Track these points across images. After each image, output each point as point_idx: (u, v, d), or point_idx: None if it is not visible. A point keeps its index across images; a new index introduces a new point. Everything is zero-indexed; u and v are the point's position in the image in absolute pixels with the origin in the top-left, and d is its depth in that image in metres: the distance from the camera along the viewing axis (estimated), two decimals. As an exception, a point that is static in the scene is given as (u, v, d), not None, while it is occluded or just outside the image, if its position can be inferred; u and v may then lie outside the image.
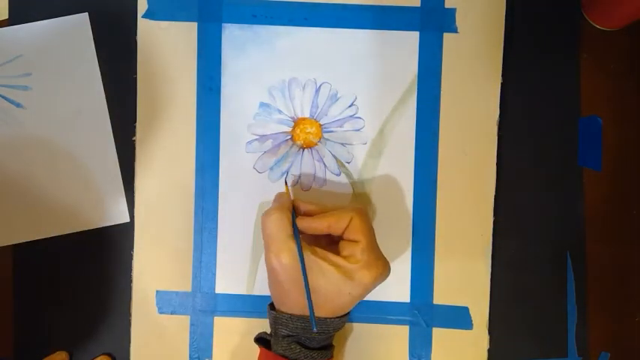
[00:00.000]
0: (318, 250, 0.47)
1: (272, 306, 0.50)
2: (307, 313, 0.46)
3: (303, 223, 0.48)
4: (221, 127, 0.55)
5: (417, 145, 0.54)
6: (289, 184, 0.54)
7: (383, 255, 0.48)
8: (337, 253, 0.47)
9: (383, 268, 0.47)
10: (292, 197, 0.52)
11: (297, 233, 0.47)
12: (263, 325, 0.54)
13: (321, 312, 0.46)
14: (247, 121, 0.55)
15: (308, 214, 0.49)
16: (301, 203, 0.50)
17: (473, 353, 0.54)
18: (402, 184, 0.54)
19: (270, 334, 0.49)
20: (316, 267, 0.46)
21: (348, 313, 0.49)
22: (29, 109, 0.55)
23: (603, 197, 0.55)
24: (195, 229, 0.55)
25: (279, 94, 0.55)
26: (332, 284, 0.46)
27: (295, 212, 0.49)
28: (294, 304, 0.46)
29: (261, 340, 0.50)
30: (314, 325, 0.45)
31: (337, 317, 0.47)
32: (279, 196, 0.51)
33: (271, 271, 0.47)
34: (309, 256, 0.46)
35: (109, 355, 0.55)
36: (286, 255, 0.46)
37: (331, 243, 0.49)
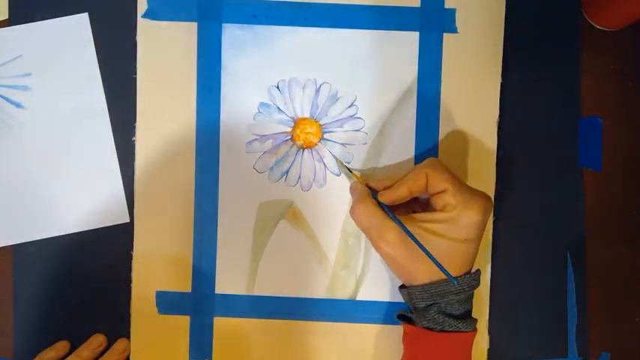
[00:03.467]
0: (416, 215, 0.47)
1: (403, 286, 0.50)
2: (435, 278, 0.46)
3: (386, 198, 0.48)
4: (221, 127, 0.55)
5: (417, 145, 0.54)
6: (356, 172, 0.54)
7: (477, 190, 0.48)
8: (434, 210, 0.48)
9: (484, 201, 0.47)
10: (363, 182, 0.52)
11: (386, 208, 0.47)
12: (263, 326, 0.54)
13: (450, 272, 0.46)
14: (247, 121, 0.55)
15: (387, 189, 0.50)
16: (375, 183, 0.51)
17: (473, 354, 0.54)
18: (402, 184, 0.54)
19: (411, 312, 0.49)
20: (421, 231, 0.46)
21: (478, 270, 0.48)
22: (29, 109, 0.55)
23: (603, 197, 0.55)
24: (195, 229, 0.54)
25: (279, 94, 0.55)
26: (443, 240, 0.46)
27: (375, 193, 0.50)
28: (420, 274, 0.47)
29: (402, 317, 0.50)
30: (451, 278, 0.45)
31: (466, 273, 0.47)
32: (353, 188, 0.52)
33: (386, 257, 0.47)
34: (410, 225, 0.46)
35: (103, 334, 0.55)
36: (389, 233, 0.46)
37: (425, 206, 0.50)
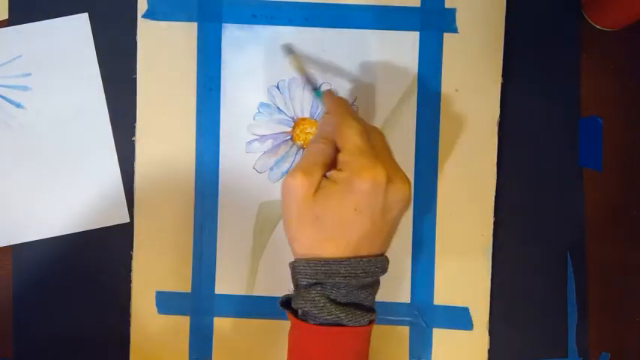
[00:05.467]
0: (328, 172, 0.41)
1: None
2: (326, 255, 0.40)
3: (327, 98, 0.45)
4: (221, 127, 0.55)
5: (417, 145, 0.54)
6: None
7: (392, 163, 0.42)
8: None
9: (383, 173, 0.39)
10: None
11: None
12: (263, 326, 0.54)
13: (338, 251, 0.39)
14: (247, 121, 0.55)
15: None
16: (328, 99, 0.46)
17: (473, 354, 0.54)
18: (402, 184, 0.54)
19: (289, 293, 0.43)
20: (323, 189, 0.40)
21: (382, 255, 0.41)
22: (29, 110, 0.55)
23: (603, 197, 0.55)
24: (194, 229, 0.54)
25: (279, 94, 0.55)
26: (333, 203, 0.39)
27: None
28: (308, 242, 0.40)
29: (286, 303, 0.43)
30: (317, 91, 0.41)
31: (363, 256, 0.40)
32: (335, 101, 0.46)
33: (283, 193, 0.41)
34: (320, 182, 0.40)
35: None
36: (303, 176, 0.40)
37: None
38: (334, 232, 0.40)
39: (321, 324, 0.39)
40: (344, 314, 0.39)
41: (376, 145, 0.42)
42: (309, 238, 0.40)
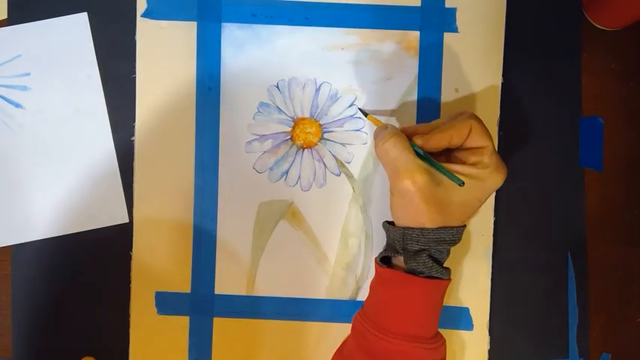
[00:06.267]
0: (444, 164, 0.46)
1: (391, 223, 0.49)
2: (437, 225, 0.45)
3: (424, 142, 0.46)
4: (221, 127, 0.54)
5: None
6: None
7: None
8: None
9: (505, 170, 0.47)
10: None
11: (420, 151, 0.46)
12: (262, 326, 0.54)
13: (455, 221, 0.46)
14: (247, 120, 0.54)
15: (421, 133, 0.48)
16: (408, 127, 0.49)
17: (473, 354, 0.54)
18: (402, 184, 0.54)
19: (393, 253, 0.48)
20: (446, 179, 0.45)
21: (464, 226, 0.48)
22: (28, 109, 0.55)
23: (604, 198, 0.55)
24: (194, 229, 0.54)
25: (279, 93, 0.54)
26: (466, 194, 0.46)
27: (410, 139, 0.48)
28: (429, 220, 0.45)
29: (383, 259, 0.49)
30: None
31: (460, 226, 0.47)
32: (382, 128, 0.48)
33: (405, 194, 0.45)
34: (439, 173, 0.45)
35: (93, 356, 0.55)
36: (420, 173, 0.45)
37: (446, 160, 0.48)
38: (456, 213, 0.46)
39: (427, 277, 0.46)
40: (445, 271, 0.47)
41: None
42: (431, 220, 0.45)
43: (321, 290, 0.55)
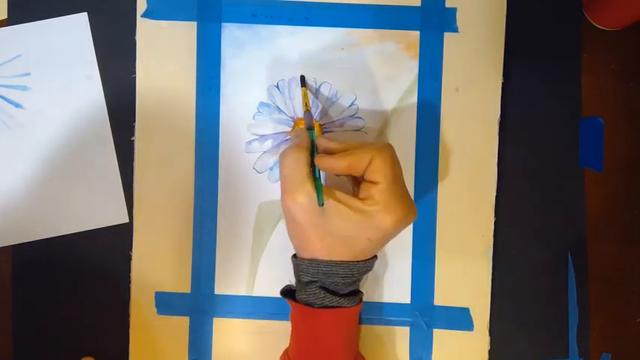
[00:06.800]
0: (337, 192, 0.45)
1: (295, 255, 0.49)
2: (327, 257, 0.44)
3: (323, 163, 0.45)
4: (220, 127, 0.54)
5: (417, 145, 0.54)
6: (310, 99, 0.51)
7: (409, 197, 0.46)
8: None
9: (405, 212, 0.44)
10: (313, 112, 0.49)
11: (315, 172, 0.45)
12: (262, 326, 0.54)
13: (341, 255, 0.45)
14: (247, 121, 0.54)
15: (328, 152, 0.47)
16: (322, 140, 0.47)
17: (474, 355, 0.54)
18: (403, 184, 0.54)
19: (291, 285, 0.49)
20: (334, 208, 0.44)
21: (375, 257, 0.47)
22: (28, 109, 0.55)
23: (604, 198, 0.55)
24: (194, 229, 0.54)
25: (279, 93, 0.54)
26: (349, 227, 0.44)
27: (316, 149, 0.47)
28: (314, 248, 0.45)
29: (287, 292, 0.49)
30: (320, 200, 0.43)
31: (360, 260, 0.46)
32: (297, 133, 0.48)
33: (287, 212, 0.45)
34: (326, 199, 0.44)
35: (92, 356, 0.55)
36: (302, 195, 0.44)
37: (356, 184, 0.47)
38: (341, 246, 0.45)
39: (323, 307, 0.45)
40: (344, 300, 0.46)
41: (400, 179, 0.46)
42: (315, 249, 0.45)
43: (321, 290, 0.55)
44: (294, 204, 0.44)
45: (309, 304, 0.46)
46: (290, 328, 0.49)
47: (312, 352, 0.47)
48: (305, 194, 0.44)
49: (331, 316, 0.46)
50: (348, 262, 0.45)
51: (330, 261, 0.45)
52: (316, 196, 0.44)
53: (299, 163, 0.45)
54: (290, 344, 0.49)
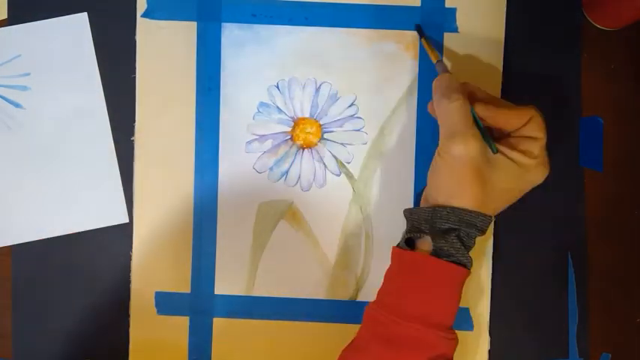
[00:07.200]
0: (498, 145, 0.46)
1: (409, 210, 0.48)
2: (471, 207, 0.44)
3: (482, 112, 0.46)
4: (220, 127, 0.54)
5: (417, 145, 0.54)
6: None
7: None
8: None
9: (549, 169, 0.47)
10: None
11: (477, 120, 0.45)
12: (262, 327, 0.54)
13: (488, 209, 0.45)
14: (247, 121, 0.54)
15: (482, 102, 0.47)
16: (477, 90, 0.48)
17: (474, 354, 0.54)
18: (402, 184, 0.54)
19: (418, 234, 0.46)
20: (500, 159, 0.45)
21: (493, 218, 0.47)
22: (28, 110, 0.55)
23: (604, 198, 0.55)
24: (194, 229, 0.54)
25: (279, 93, 0.54)
26: (509, 179, 0.45)
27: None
28: (469, 197, 0.44)
29: (407, 241, 0.47)
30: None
31: (491, 215, 0.46)
32: (446, 82, 0.47)
33: (449, 158, 0.44)
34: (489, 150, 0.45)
35: (92, 357, 0.55)
36: (474, 140, 0.44)
37: (496, 139, 0.47)
38: (494, 198, 0.45)
39: (452, 262, 0.45)
40: (470, 258, 0.45)
41: None
42: (469, 193, 0.44)
43: (321, 291, 0.55)
44: (465, 148, 0.44)
45: (439, 256, 0.45)
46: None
47: (423, 300, 0.45)
48: (477, 140, 0.44)
49: (455, 273, 0.45)
50: (485, 214, 0.45)
51: (473, 211, 0.44)
52: (487, 144, 0.44)
53: (465, 108, 0.45)
54: (391, 298, 0.46)
